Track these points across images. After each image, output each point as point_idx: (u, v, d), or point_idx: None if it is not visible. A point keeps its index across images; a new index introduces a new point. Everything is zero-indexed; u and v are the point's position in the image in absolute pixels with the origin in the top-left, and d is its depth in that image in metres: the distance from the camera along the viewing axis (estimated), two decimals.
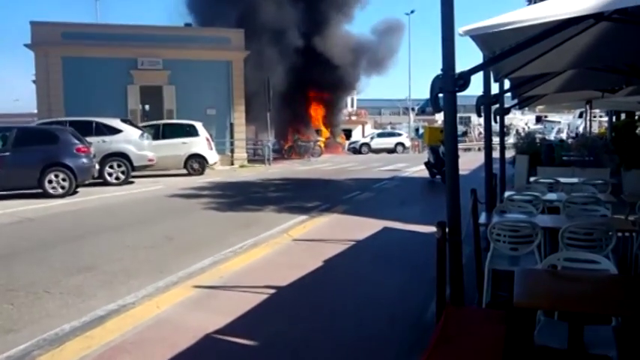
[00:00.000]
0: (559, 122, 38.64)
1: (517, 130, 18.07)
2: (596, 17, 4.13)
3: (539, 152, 11.96)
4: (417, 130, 46.18)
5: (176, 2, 52.91)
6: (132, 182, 15.93)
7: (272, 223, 8.82)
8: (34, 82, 23.75)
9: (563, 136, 28.05)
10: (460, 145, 23.17)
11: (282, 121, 30.08)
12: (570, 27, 3.72)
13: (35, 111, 25.53)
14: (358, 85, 37.63)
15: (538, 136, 16.11)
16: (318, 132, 34.24)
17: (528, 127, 33.33)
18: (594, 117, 21.86)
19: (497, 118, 7.10)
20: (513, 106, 9.53)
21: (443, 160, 12.81)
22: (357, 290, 5.32)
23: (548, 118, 41.78)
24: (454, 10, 3.28)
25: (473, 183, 6.20)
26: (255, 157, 27.16)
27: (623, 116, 17.99)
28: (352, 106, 54.79)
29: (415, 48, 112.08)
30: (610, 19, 4.40)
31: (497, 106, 7.00)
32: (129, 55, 22.81)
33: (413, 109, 52.63)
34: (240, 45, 24.76)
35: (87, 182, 13.72)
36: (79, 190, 13.35)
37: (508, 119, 22.03)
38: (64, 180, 12.60)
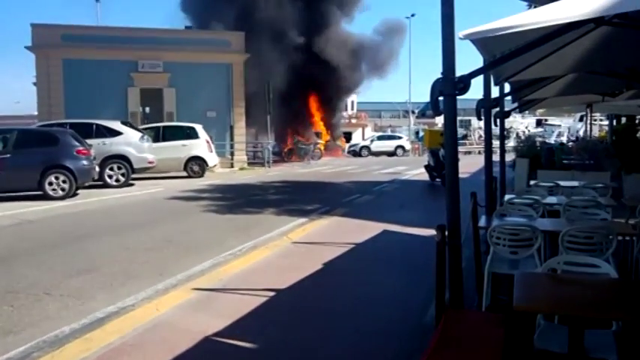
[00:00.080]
0: (559, 126, 38.60)
1: (517, 134, 18.04)
2: (596, 21, 4.13)
3: (539, 156, 11.95)
4: (417, 133, 46.19)
5: (176, 5, 52.94)
6: (132, 184, 15.93)
7: (271, 225, 8.81)
8: (34, 84, 23.79)
9: (564, 139, 28.02)
10: (460, 149, 23.12)
11: (281, 122, 30.04)
12: (571, 31, 3.73)
13: (36, 113, 25.56)
14: (359, 86, 37.67)
15: (538, 139, 16.08)
16: (318, 135, 34.23)
17: (528, 131, 33.27)
18: (595, 121, 21.84)
19: (498, 121, 7.11)
20: (513, 110, 9.54)
21: (443, 163, 12.80)
22: (357, 293, 5.31)
23: (549, 122, 41.76)
24: (454, 14, 3.29)
25: (473, 186, 6.19)
26: (254, 160, 27.16)
27: (623, 120, 18.00)
28: (352, 108, 54.84)
29: (416, 51, 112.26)
30: (610, 24, 4.41)
31: (498, 109, 7.03)
32: (129, 58, 22.85)
33: (413, 112, 52.68)
34: (240, 48, 24.80)
35: (87, 184, 13.73)
36: (79, 192, 13.35)
37: (508, 122, 22.02)
38: (64, 182, 12.60)
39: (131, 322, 4.36)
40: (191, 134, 18.92)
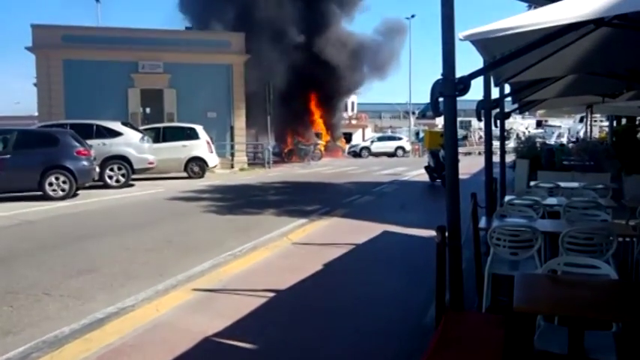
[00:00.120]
0: (559, 127, 38.63)
1: (517, 135, 18.04)
2: (596, 23, 4.13)
3: (539, 157, 11.95)
4: (417, 134, 46.17)
5: (174, 6, 53.02)
6: (132, 185, 15.93)
7: (272, 226, 8.81)
8: (35, 84, 23.80)
9: (564, 140, 28.04)
10: (460, 149, 23.11)
11: (281, 123, 30.02)
12: (571, 32, 3.73)
13: (36, 113, 25.59)
14: (359, 86, 37.67)
15: (538, 140, 16.07)
16: (319, 135, 34.23)
17: (529, 132, 33.29)
18: (595, 122, 21.86)
19: (498, 122, 7.10)
20: (514, 111, 9.54)
21: (443, 164, 12.81)
22: (357, 293, 5.31)
23: (549, 123, 41.80)
24: (454, 15, 3.29)
25: (473, 187, 6.19)
26: (255, 161, 27.16)
27: (624, 121, 18.02)
28: (352, 109, 54.85)
29: (416, 52, 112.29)
30: (610, 25, 4.41)
31: (498, 110, 7.02)
32: (130, 58, 22.87)
33: (413, 113, 52.65)
34: (240, 48, 24.82)
35: (87, 185, 13.73)
36: (79, 192, 13.35)
37: (508, 124, 22.01)
38: (64, 182, 12.61)
39: (131, 323, 4.36)
40: (191, 135, 18.93)
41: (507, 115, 7.70)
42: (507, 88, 7.03)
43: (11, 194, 12.38)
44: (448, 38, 3.28)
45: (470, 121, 45.59)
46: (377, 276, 5.92)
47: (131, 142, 16.03)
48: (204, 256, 6.62)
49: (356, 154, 37.54)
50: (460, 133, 37.06)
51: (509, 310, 2.72)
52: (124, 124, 16.98)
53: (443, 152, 12.26)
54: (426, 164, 16.11)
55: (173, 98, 23.61)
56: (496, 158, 7.29)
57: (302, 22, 29.74)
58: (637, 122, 16.97)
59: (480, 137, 38.17)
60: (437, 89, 3.25)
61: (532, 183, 8.44)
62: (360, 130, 50.31)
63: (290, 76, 28.12)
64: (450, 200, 3.41)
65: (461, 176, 3.60)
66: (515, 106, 9.32)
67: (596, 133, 21.69)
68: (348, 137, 43.72)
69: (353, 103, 54.79)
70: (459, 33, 3.21)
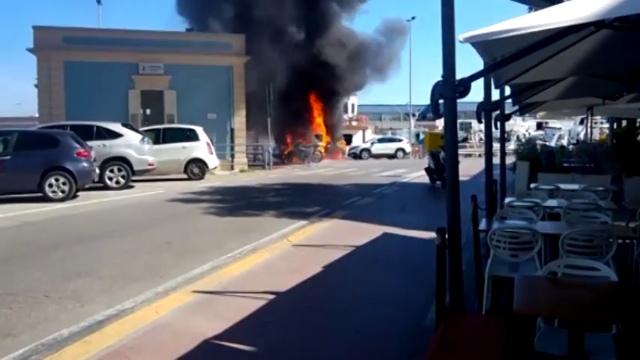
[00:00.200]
0: (560, 129, 38.62)
1: (518, 137, 18.08)
2: (596, 25, 4.13)
3: (539, 158, 11.96)
4: (417, 135, 46.17)
5: (172, 8, 53.01)
6: (132, 186, 15.93)
7: (272, 228, 8.81)
8: (35, 86, 23.82)
9: (564, 142, 28.04)
10: (460, 151, 23.17)
11: (281, 124, 30.02)
12: (571, 34, 3.73)
13: (36, 115, 25.59)
14: (360, 88, 37.63)
15: (539, 142, 16.09)
16: (319, 137, 34.25)
17: (529, 134, 33.33)
18: (595, 124, 21.87)
19: (498, 124, 7.10)
20: (514, 113, 9.53)
21: (443, 166, 12.80)
22: (357, 294, 5.31)
23: (549, 125, 41.79)
24: (454, 16, 3.29)
25: (473, 189, 6.19)
26: (255, 162, 27.17)
27: (624, 123, 18.00)
28: (353, 111, 54.87)
29: (416, 54, 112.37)
30: (610, 27, 4.41)
31: (498, 112, 7.01)
32: (130, 60, 22.91)
33: (414, 115, 52.67)
34: (240, 50, 24.85)
35: (87, 186, 13.72)
36: (79, 194, 13.34)
37: (509, 125, 22.06)
38: (64, 184, 12.60)
39: (131, 325, 4.36)
40: (191, 136, 18.93)
41: (508, 117, 7.69)
42: (508, 90, 7.02)
43: (11, 195, 12.38)
44: (448, 39, 3.28)
45: (470, 123, 45.55)
46: (377, 278, 5.91)
47: (131, 143, 16.04)
48: (204, 258, 6.61)
49: (356, 155, 37.56)
50: (460, 134, 37.03)
51: (510, 312, 2.72)
52: (124, 125, 17.00)
53: (443, 154, 12.26)
54: (427, 166, 16.10)
55: (173, 100, 23.63)
56: (496, 160, 7.28)
57: (302, 21, 29.70)
58: (637, 124, 16.95)
59: (481, 139, 38.17)
60: (437, 91, 3.25)
61: (532, 185, 8.44)
62: (361, 132, 50.34)
63: (290, 76, 28.09)
64: (450, 202, 3.40)
65: (461, 178, 3.60)
66: (516, 108, 9.31)
67: (596, 135, 21.70)
68: (348, 139, 43.72)
69: (353, 105, 54.82)
70: (459, 35, 3.20)
